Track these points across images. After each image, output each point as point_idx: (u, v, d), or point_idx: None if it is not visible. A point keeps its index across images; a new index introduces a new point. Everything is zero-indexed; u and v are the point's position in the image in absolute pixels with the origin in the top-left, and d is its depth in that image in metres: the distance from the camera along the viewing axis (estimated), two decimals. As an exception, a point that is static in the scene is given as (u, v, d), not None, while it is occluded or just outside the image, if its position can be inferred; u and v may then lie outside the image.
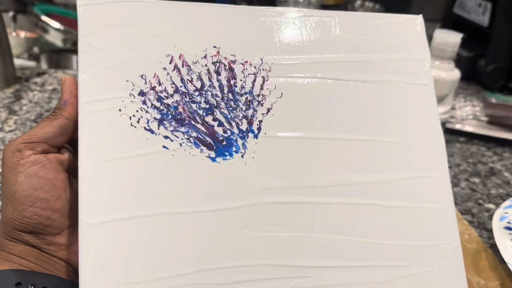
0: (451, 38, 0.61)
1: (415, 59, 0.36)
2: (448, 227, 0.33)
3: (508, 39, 0.87)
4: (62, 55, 1.05)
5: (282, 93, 0.32)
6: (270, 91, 0.32)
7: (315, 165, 0.32)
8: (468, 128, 0.74)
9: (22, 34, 1.07)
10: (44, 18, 1.01)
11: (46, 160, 0.28)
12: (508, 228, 0.47)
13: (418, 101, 0.35)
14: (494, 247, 0.46)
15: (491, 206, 0.57)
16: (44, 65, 1.06)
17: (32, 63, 1.04)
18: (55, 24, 1.01)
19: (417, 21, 0.37)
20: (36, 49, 1.08)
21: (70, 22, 1.01)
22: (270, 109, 0.32)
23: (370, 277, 0.31)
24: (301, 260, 0.30)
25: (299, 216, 0.30)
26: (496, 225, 0.48)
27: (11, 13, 1.06)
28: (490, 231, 0.49)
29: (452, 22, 0.99)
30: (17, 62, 0.92)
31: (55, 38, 1.02)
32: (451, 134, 0.74)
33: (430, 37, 0.65)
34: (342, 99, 0.33)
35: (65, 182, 0.29)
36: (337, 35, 0.34)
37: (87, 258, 0.26)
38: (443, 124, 0.68)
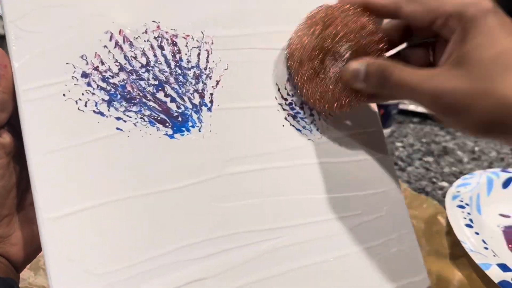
0: None
1: None
2: (388, 175, 0.37)
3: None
4: (4, 42, 0.92)
5: (227, 65, 0.32)
6: (216, 64, 0.32)
7: (268, 132, 0.32)
8: (422, 108, 0.77)
9: None
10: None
11: None
12: (460, 207, 0.50)
13: None
14: (446, 219, 0.48)
15: (445, 184, 0.60)
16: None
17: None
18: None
19: None
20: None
21: None
22: (219, 81, 0.31)
23: (333, 229, 0.33)
24: (269, 224, 0.31)
25: (262, 182, 0.31)
26: (449, 204, 0.51)
27: None
28: (443, 206, 0.52)
29: None
30: None
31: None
32: (405, 115, 0.75)
33: None
34: (281, 67, 0.34)
35: (4, 168, 0.27)
36: (264, 7, 0.35)
37: (54, 255, 0.24)
38: (397, 105, 0.70)
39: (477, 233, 0.46)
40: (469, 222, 0.47)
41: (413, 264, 0.36)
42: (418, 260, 0.36)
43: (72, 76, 0.27)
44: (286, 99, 0.34)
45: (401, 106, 0.74)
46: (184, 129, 0.30)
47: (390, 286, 0.34)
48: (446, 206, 0.51)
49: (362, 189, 0.35)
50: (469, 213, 0.49)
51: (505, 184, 0.58)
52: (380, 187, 0.36)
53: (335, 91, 0.32)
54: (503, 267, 0.41)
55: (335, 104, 0.33)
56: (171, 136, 0.29)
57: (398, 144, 0.69)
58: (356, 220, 0.34)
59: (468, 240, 0.45)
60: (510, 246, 0.49)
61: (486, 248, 0.44)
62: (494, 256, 0.43)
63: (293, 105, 0.34)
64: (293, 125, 0.34)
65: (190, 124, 0.30)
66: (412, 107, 0.76)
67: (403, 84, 0.28)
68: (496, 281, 0.40)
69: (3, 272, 0.27)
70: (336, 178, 0.34)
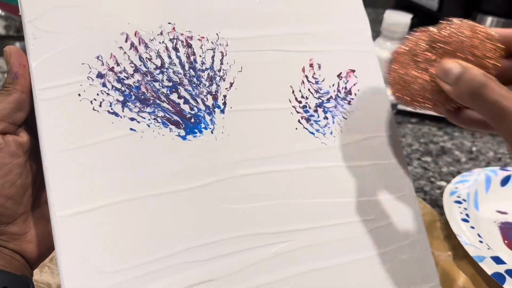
0: (402, 19, 0.63)
1: (356, 28, 0.38)
2: (402, 180, 0.36)
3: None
4: (5, 42, 0.95)
5: (242, 67, 0.32)
6: (230, 66, 0.32)
7: (281, 134, 0.32)
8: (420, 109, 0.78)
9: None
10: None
11: (3, 143, 0.26)
12: (457, 202, 0.51)
13: (362, 67, 0.37)
14: (445, 221, 0.49)
15: (443, 183, 0.60)
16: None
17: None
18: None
19: None
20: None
21: (10, 8, 0.91)
22: (233, 83, 0.32)
23: (344, 233, 0.32)
24: (280, 226, 0.31)
25: (273, 185, 0.31)
26: (447, 199, 0.51)
27: None
28: (442, 207, 0.52)
29: (403, 6, 1.01)
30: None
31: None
32: (403, 115, 0.75)
33: (381, 22, 0.66)
34: (295, 70, 0.34)
35: (22, 167, 0.27)
36: (279, 9, 0.35)
37: (66, 252, 0.25)
38: (395, 105, 0.70)
39: (472, 227, 0.47)
40: (465, 217, 0.48)
41: (425, 271, 0.35)
42: (431, 267, 0.36)
43: (87, 77, 0.28)
44: (300, 102, 0.34)
45: (400, 107, 0.74)
46: (196, 130, 0.30)
47: None
48: (444, 201, 0.51)
49: (375, 194, 0.35)
50: (465, 208, 0.50)
51: (504, 182, 0.58)
52: (394, 193, 0.36)
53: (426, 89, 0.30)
54: (497, 260, 0.42)
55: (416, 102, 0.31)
56: (184, 138, 0.29)
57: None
58: (369, 225, 0.34)
59: (463, 233, 0.46)
60: (506, 241, 0.50)
61: (481, 242, 0.45)
62: (488, 249, 0.44)
63: (307, 108, 0.34)
64: (306, 128, 0.33)
65: (203, 125, 0.30)
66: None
67: (498, 103, 0.25)
68: (489, 273, 0.41)
69: (19, 270, 0.27)
70: (349, 183, 0.34)
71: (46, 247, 0.29)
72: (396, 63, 0.32)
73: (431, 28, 0.30)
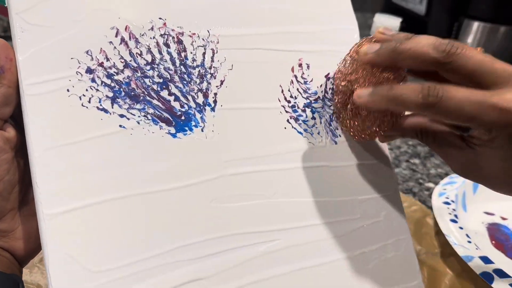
0: (391, 22, 0.64)
1: (345, 29, 0.38)
2: (387, 180, 0.37)
3: (444, 27, 0.93)
4: None
5: (232, 65, 0.32)
6: (221, 63, 0.32)
7: (270, 133, 0.32)
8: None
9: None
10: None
11: None
12: (446, 203, 0.52)
13: None
14: (434, 220, 0.50)
15: (431, 185, 0.61)
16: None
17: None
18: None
19: None
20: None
21: None
22: (223, 81, 0.31)
23: (330, 232, 0.33)
24: (268, 225, 0.31)
25: (261, 184, 0.31)
26: (436, 200, 0.52)
27: None
28: (430, 208, 0.53)
29: (391, 11, 1.03)
30: None
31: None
32: None
33: (370, 27, 0.66)
34: (285, 69, 0.34)
35: (9, 163, 0.27)
36: (271, 8, 0.35)
37: (53, 251, 0.24)
38: None
39: (461, 228, 0.47)
40: (453, 218, 0.49)
41: (408, 270, 0.36)
42: (414, 266, 0.36)
43: (76, 72, 0.27)
44: (289, 101, 0.34)
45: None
46: (187, 128, 0.29)
47: None
48: (433, 202, 0.52)
49: (360, 193, 0.35)
50: (454, 209, 0.51)
51: None
52: (378, 192, 0.36)
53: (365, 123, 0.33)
54: (485, 260, 0.43)
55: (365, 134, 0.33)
56: (174, 135, 0.29)
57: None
58: (354, 225, 0.34)
59: (452, 234, 0.47)
60: (493, 242, 0.50)
61: (469, 242, 0.45)
62: (477, 249, 0.44)
63: (296, 108, 0.34)
64: (294, 128, 0.33)
65: (193, 123, 0.30)
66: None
67: (466, 100, 0.25)
68: (478, 272, 0.41)
69: (8, 267, 0.27)
70: (335, 182, 0.34)
71: (35, 244, 0.29)
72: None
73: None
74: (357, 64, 0.31)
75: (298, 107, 0.34)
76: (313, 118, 0.34)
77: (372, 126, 0.33)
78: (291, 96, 0.34)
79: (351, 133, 0.34)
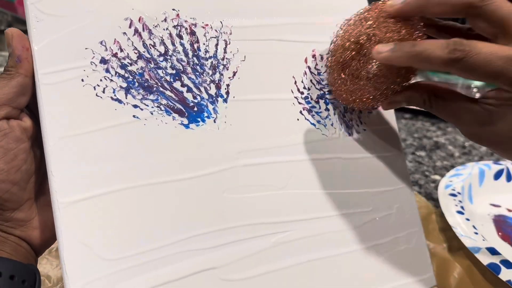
0: None
1: None
2: (400, 172, 0.37)
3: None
4: None
5: (245, 56, 0.32)
6: (233, 55, 0.32)
7: (283, 124, 0.32)
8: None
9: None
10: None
11: (8, 128, 0.26)
12: (452, 195, 0.52)
13: None
14: (441, 213, 0.50)
15: (437, 177, 0.61)
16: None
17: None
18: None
19: None
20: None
21: (2, 2, 0.89)
22: (236, 72, 0.31)
23: (342, 224, 0.33)
24: (280, 216, 0.31)
25: (273, 175, 0.31)
26: (442, 192, 0.52)
27: None
28: (436, 200, 0.53)
29: None
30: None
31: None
32: (396, 111, 0.77)
33: None
34: (298, 61, 0.34)
35: (26, 152, 0.27)
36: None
37: (68, 238, 0.25)
38: None
39: (467, 219, 0.47)
40: (460, 209, 0.49)
41: (420, 263, 0.36)
42: (426, 259, 0.36)
43: (91, 62, 0.27)
44: (302, 93, 0.34)
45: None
46: (199, 119, 0.30)
47: (396, 283, 0.34)
48: (439, 194, 0.52)
49: (373, 186, 0.35)
50: (460, 201, 0.50)
51: (497, 176, 0.59)
52: (391, 185, 0.36)
53: (368, 88, 0.31)
54: (492, 251, 0.43)
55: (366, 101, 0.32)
56: (187, 126, 0.29)
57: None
58: (366, 217, 0.34)
59: (458, 225, 0.46)
60: (499, 233, 0.50)
61: (476, 233, 0.45)
62: (484, 240, 0.44)
63: (309, 99, 0.34)
64: (307, 119, 0.33)
65: (206, 114, 0.30)
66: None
67: (494, 55, 0.24)
68: (485, 263, 0.41)
69: (24, 257, 0.27)
70: (348, 174, 0.34)
71: (51, 233, 0.29)
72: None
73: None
74: (377, 20, 0.29)
75: (312, 99, 0.34)
76: (327, 109, 0.34)
77: (376, 91, 0.31)
78: (304, 88, 0.34)
79: (347, 98, 0.32)
